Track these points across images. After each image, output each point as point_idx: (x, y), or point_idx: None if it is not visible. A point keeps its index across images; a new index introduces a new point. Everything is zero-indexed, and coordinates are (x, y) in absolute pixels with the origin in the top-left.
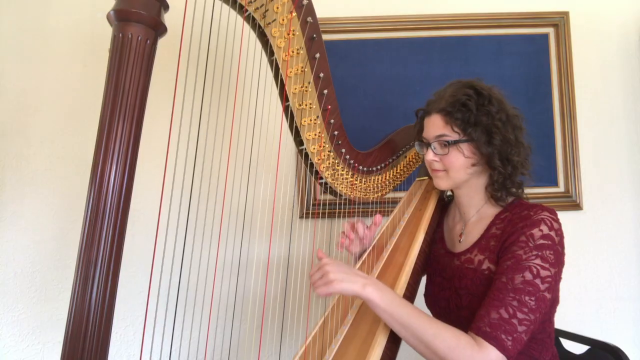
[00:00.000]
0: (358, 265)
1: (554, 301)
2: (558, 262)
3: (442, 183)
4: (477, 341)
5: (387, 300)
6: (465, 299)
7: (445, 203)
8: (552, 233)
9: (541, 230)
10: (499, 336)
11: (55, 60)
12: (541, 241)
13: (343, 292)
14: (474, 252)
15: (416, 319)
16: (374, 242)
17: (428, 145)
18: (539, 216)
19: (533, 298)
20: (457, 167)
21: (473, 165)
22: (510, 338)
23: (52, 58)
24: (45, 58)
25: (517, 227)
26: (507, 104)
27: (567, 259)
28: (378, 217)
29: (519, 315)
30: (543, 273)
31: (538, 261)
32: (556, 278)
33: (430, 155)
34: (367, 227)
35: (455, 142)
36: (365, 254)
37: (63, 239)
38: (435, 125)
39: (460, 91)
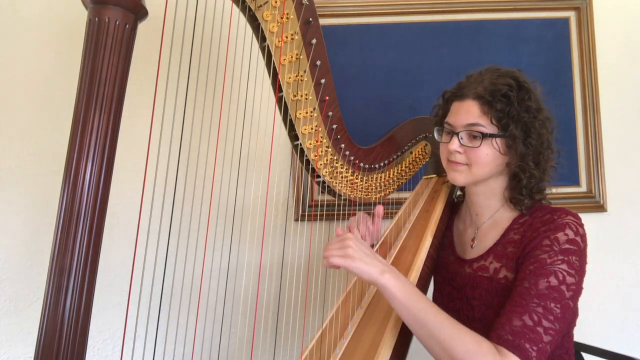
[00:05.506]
0: None
1: (574, 313)
2: (582, 270)
3: (460, 178)
4: (498, 350)
5: (406, 292)
6: (479, 310)
7: (455, 204)
8: (578, 238)
9: (566, 235)
10: (523, 345)
11: (25, 47)
12: (567, 246)
13: (358, 272)
14: (489, 259)
15: (434, 316)
16: (377, 246)
17: (452, 133)
18: (563, 220)
19: (559, 305)
20: (484, 163)
21: (507, 164)
22: (535, 348)
23: (22, 45)
24: (14, 45)
25: (539, 231)
26: (544, 105)
27: (590, 265)
28: (379, 208)
29: (545, 323)
30: (569, 280)
31: (564, 266)
32: (579, 287)
33: (454, 145)
34: (372, 222)
35: (491, 136)
36: None
37: (35, 244)
38: (468, 112)
39: (501, 80)
